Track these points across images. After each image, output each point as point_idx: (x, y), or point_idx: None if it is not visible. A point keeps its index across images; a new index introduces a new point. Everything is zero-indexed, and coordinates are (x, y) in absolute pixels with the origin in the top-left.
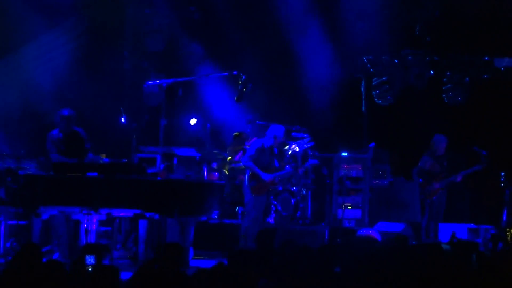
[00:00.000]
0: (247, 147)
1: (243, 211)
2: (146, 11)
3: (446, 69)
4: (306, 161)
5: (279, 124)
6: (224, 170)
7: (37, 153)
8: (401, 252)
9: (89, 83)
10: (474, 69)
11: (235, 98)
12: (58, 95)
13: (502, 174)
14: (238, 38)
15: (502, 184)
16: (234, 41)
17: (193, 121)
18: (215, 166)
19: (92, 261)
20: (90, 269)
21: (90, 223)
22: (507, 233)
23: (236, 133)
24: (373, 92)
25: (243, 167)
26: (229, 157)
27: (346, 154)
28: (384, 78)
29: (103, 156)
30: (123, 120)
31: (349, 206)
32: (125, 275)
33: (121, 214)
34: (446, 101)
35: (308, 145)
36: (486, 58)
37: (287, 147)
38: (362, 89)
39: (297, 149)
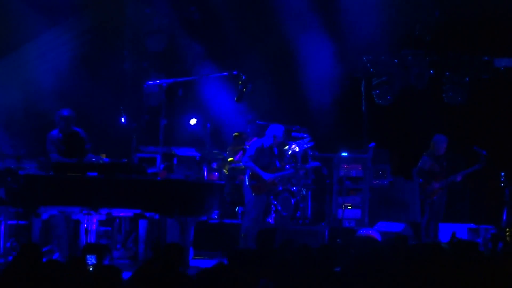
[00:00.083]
0: (247, 147)
1: (243, 211)
2: (146, 11)
3: (446, 69)
4: (306, 161)
5: (279, 124)
6: (224, 170)
7: (37, 153)
8: (401, 252)
9: (89, 83)
10: (474, 69)
11: (235, 98)
12: (58, 94)
13: (502, 174)
14: (238, 38)
15: (502, 184)
16: (234, 41)
17: (193, 121)
18: (215, 166)
19: (93, 260)
20: (91, 268)
21: (90, 223)
22: (507, 233)
23: (236, 133)
24: (373, 92)
25: (243, 167)
26: (230, 158)
27: (346, 154)
28: (384, 78)
29: (103, 156)
30: (123, 120)
31: (349, 206)
32: (125, 275)
33: (121, 214)
34: (446, 101)
35: (308, 145)
36: (486, 58)
37: (287, 147)
38: (362, 89)
39: (297, 149)
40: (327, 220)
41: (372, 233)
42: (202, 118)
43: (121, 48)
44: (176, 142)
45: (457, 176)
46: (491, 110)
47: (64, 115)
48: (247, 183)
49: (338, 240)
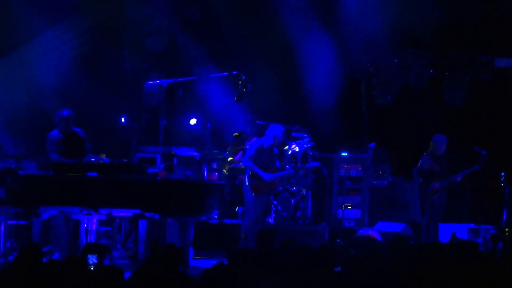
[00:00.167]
0: (247, 147)
1: (243, 211)
2: (146, 11)
3: (446, 69)
4: (306, 161)
5: (279, 124)
6: (224, 170)
7: (37, 153)
8: (401, 252)
9: (89, 83)
10: (474, 69)
11: (235, 98)
12: (58, 94)
13: (502, 174)
14: (238, 38)
15: (502, 184)
16: (234, 41)
17: (193, 121)
18: (215, 166)
19: (95, 260)
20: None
21: (90, 223)
22: (507, 233)
23: (236, 133)
24: (373, 92)
25: (243, 167)
26: (230, 158)
27: (346, 154)
28: (384, 78)
29: (103, 156)
30: (123, 120)
31: (349, 206)
32: (125, 275)
33: (121, 214)
34: (446, 101)
35: (308, 145)
36: (486, 58)
37: (287, 147)
38: (362, 89)
39: (297, 149)
40: (327, 220)
41: (372, 233)
42: (202, 118)
43: (121, 48)
44: (176, 142)
45: (457, 176)
46: (491, 110)
47: (64, 115)
48: (247, 183)
49: (338, 240)
